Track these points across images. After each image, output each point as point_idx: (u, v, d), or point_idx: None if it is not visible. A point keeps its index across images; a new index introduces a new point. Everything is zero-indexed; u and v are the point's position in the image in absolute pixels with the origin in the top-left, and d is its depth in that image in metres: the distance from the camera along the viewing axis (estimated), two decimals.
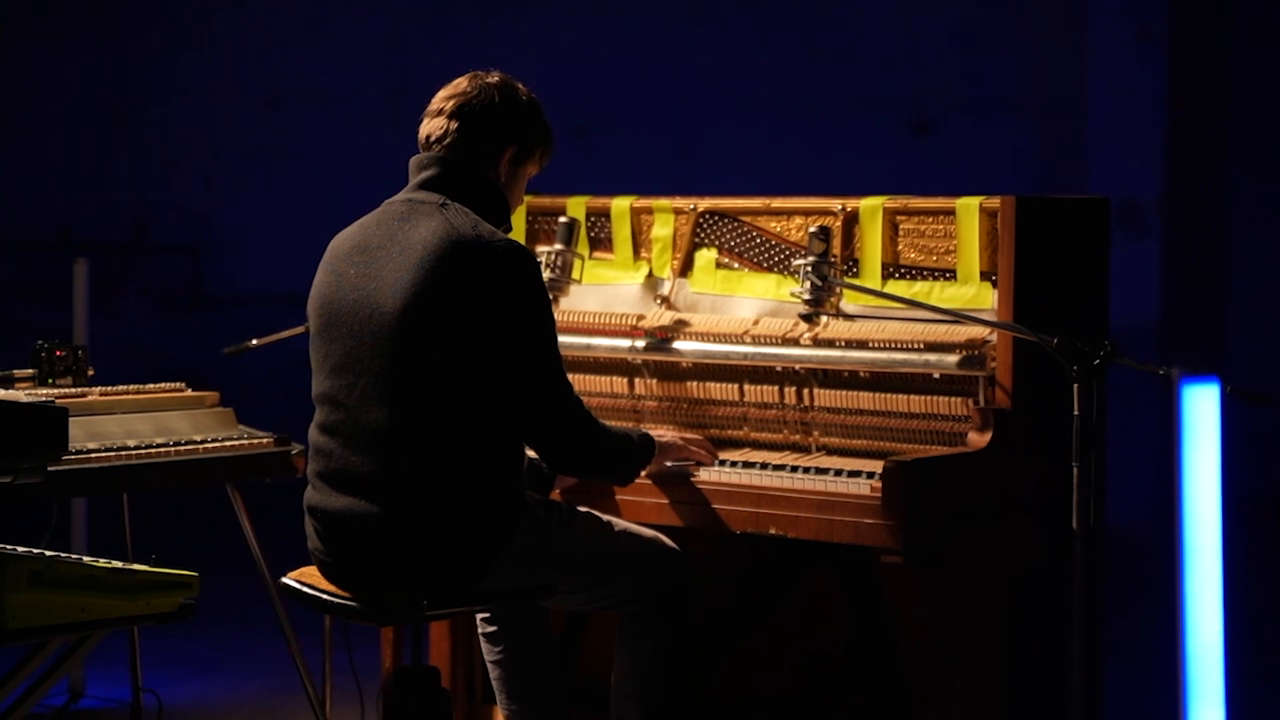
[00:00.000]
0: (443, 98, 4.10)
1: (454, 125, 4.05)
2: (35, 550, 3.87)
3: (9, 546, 3.87)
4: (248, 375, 8.96)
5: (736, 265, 4.69)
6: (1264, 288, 8.78)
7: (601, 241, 4.91)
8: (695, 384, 4.63)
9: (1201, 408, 2.32)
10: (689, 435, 4.46)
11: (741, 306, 4.64)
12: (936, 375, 4.27)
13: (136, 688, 5.11)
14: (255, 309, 9.61)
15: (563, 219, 4.82)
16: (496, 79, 4.12)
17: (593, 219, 4.91)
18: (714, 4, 9.37)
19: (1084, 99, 8.64)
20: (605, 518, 4.18)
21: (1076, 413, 3.84)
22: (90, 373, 4.82)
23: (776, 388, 4.51)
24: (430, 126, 4.08)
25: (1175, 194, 8.55)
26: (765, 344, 4.51)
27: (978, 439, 4.15)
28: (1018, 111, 8.92)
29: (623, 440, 4.17)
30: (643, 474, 4.29)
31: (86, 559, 3.87)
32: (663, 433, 4.39)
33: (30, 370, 4.75)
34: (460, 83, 4.12)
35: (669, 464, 4.35)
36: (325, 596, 4.01)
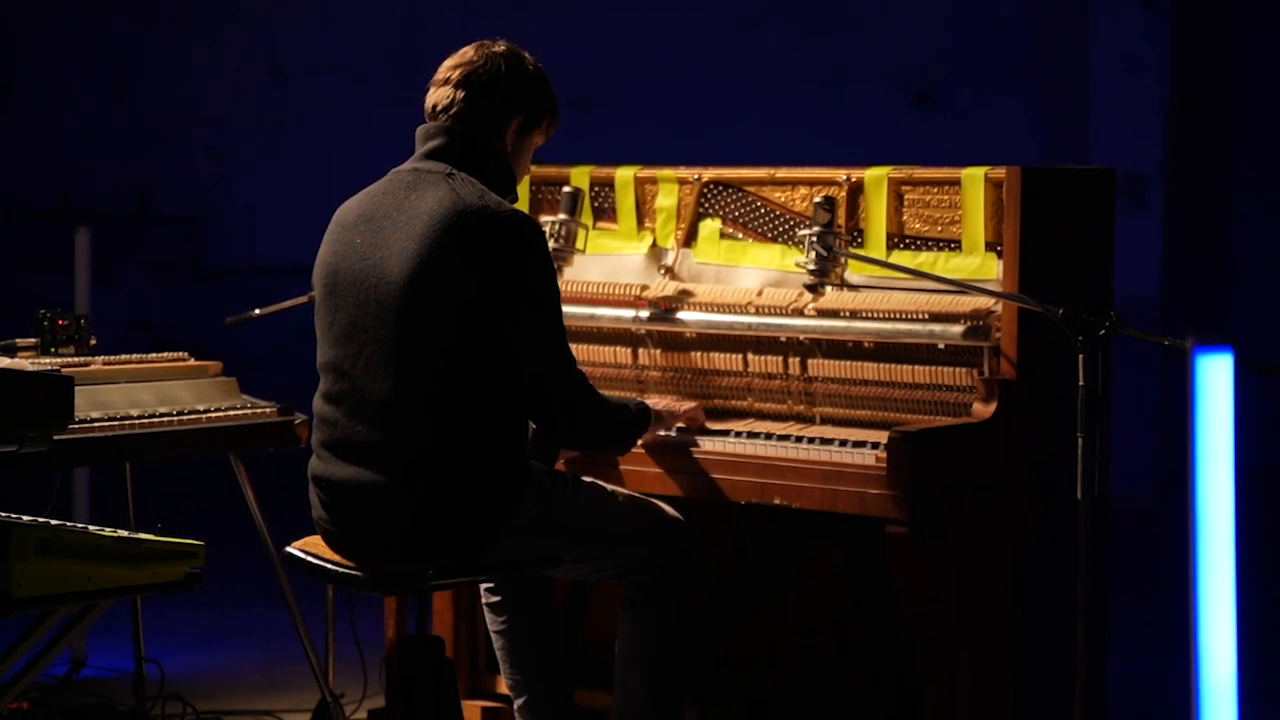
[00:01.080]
0: (449, 67, 4.09)
1: (460, 95, 4.03)
2: (41, 519, 3.86)
3: (14, 516, 3.87)
4: (251, 346, 8.96)
5: (741, 235, 4.68)
6: (1266, 261, 8.78)
7: (605, 211, 4.90)
8: (699, 354, 4.62)
9: (1215, 379, 2.31)
10: (685, 402, 4.45)
11: (745, 277, 4.64)
12: (941, 346, 4.27)
13: (139, 657, 5.11)
14: (258, 280, 9.60)
15: (567, 189, 4.81)
16: (503, 48, 4.10)
17: (596, 189, 4.90)
18: None
19: (1087, 71, 8.63)
20: (609, 488, 4.18)
21: (1081, 383, 3.84)
22: (93, 342, 4.82)
23: (780, 358, 4.50)
24: (436, 96, 4.07)
25: (1177, 167, 8.54)
26: (769, 314, 4.51)
27: (982, 409, 4.15)
28: (1020, 84, 8.91)
29: (622, 411, 4.17)
30: (639, 443, 4.29)
31: (92, 528, 3.87)
32: (656, 400, 4.39)
33: (32, 339, 4.74)
34: (467, 51, 4.10)
35: (663, 432, 4.34)
36: (330, 566, 4.01)
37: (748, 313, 4.54)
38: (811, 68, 9.22)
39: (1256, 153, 8.77)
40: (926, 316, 4.29)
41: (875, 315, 4.36)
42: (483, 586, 4.38)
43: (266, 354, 9.36)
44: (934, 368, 4.28)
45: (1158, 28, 8.46)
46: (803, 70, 9.23)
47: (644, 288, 4.72)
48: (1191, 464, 2.31)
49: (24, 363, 4.44)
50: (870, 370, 4.38)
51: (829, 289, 4.44)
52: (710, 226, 4.72)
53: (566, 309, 4.11)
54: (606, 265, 4.83)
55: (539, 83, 4.12)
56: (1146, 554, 7.34)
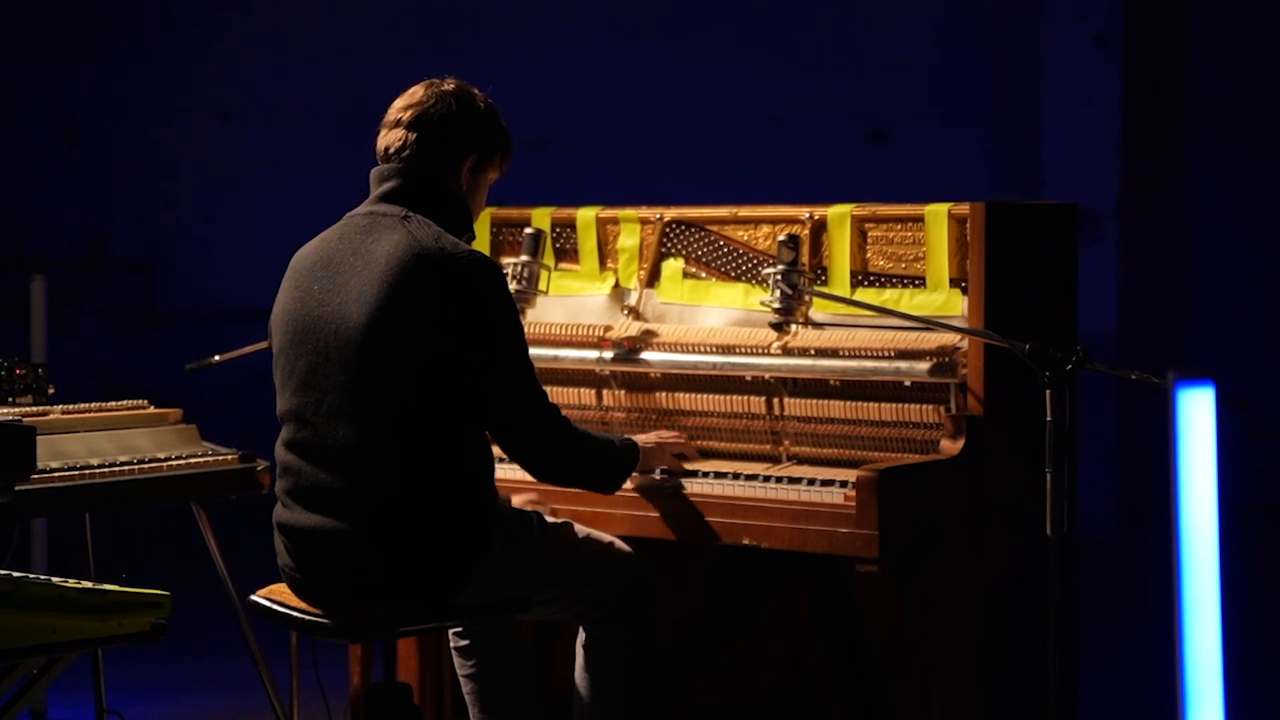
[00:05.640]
0: (399, 108, 4.07)
1: (413, 136, 4.02)
2: (3, 571, 3.82)
3: None
4: (205, 391, 8.90)
5: (704, 275, 4.67)
6: (1219, 294, 8.82)
7: (567, 252, 4.88)
8: (664, 394, 4.61)
9: (1197, 413, 2.31)
10: (665, 433, 4.43)
11: (709, 316, 4.62)
12: (908, 383, 4.25)
13: (100, 709, 5.05)
14: (212, 324, 9.55)
15: (528, 230, 4.79)
16: (453, 86, 4.09)
17: (558, 230, 4.88)
18: (671, 15, 9.38)
19: (1040, 108, 8.66)
20: (570, 524, 4.16)
21: (1049, 418, 3.83)
22: (50, 391, 4.77)
23: (746, 397, 4.48)
24: (389, 138, 4.05)
25: (1131, 201, 8.58)
26: (734, 354, 4.49)
27: (950, 446, 4.14)
28: (974, 120, 8.94)
29: (604, 446, 4.13)
30: (629, 484, 4.25)
31: (55, 579, 3.82)
32: (644, 436, 4.35)
33: None
34: (416, 92, 4.08)
35: (655, 469, 4.31)
36: (296, 614, 3.97)
37: (712, 352, 4.52)
38: (766, 105, 9.24)
39: (1209, 186, 8.81)
40: (893, 354, 4.28)
41: (841, 353, 4.35)
42: (450, 631, 4.34)
43: (221, 399, 9.30)
44: (901, 405, 4.27)
45: (1110, 64, 8.50)
46: (756, 107, 9.25)
47: (607, 328, 4.70)
48: (1174, 501, 2.30)
49: None
50: (837, 408, 4.36)
51: (794, 327, 4.42)
52: (673, 266, 4.70)
53: (530, 351, 4.08)
54: (569, 306, 4.81)
55: (490, 119, 4.11)
56: (1107, 587, 7.35)
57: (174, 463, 4.55)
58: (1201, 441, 2.29)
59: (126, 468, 4.46)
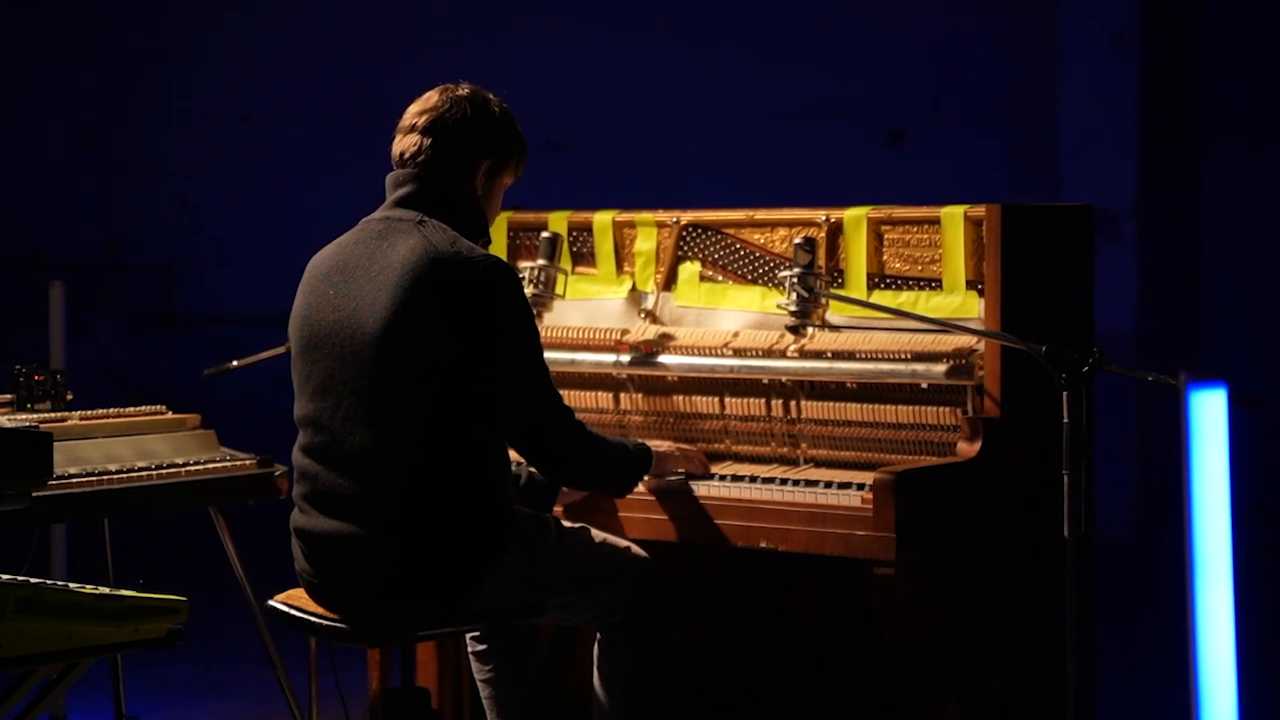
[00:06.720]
0: (414, 113, 4.07)
1: (428, 141, 4.02)
2: (20, 577, 3.83)
3: None
4: (223, 396, 8.92)
5: (720, 278, 4.67)
6: (1238, 294, 8.80)
7: (584, 256, 4.88)
8: (681, 398, 4.61)
9: (1209, 414, 2.31)
10: (685, 446, 4.43)
11: (726, 319, 4.62)
12: (924, 385, 4.25)
13: (120, 714, 5.06)
14: (230, 329, 9.56)
15: (545, 234, 4.79)
16: (467, 91, 4.09)
17: (575, 234, 4.88)
18: (685, 16, 9.37)
19: (1058, 108, 8.64)
20: (586, 528, 4.16)
21: (1066, 420, 3.83)
22: (69, 397, 4.78)
23: (763, 400, 4.49)
24: (404, 143, 4.05)
25: (1149, 201, 8.56)
26: (751, 357, 4.50)
27: (967, 449, 4.14)
28: (991, 120, 8.92)
29: (618, 450, 4.14)
30: (642, 486, 4.25)
31: (73, 585, 3.83)
32: (659, 443, 4.36)
33: (9, 395, 4.71)
34: (431, 97, 4.08)
35: (669, 474, 4.32)
36: (314, 619, 3.98)
37: (729, 355, 4.52)
38: (781, 106, 9.23)
39: (1226, 187, 8.79)
40: (909, 356, 4.27)
41: (858, 356, 4.35)
42: (468, 635, 4.34)
43: (239, 404, 9.32)
44: (918, 407, 4.27)
45: (1127, 64, 8.48)
46: (772, 109, 9.24)
47: (624, 332, 4.70)
48: (1187, 501, 2.30)
49: (0, 419, 4.41)
50: (854, 411, 4.36)
51: (811, 330, 4.42)
52: (690, 269, 4.71)
53: (547, 355, 4.08)
54: (586, 310, 4.82)
55: (506, 123, 4.11)
56: (1126, 589, 7.33)
57: (192, 468, 4.56)
58: (1214, 442, 2.29)
59: (145, 473, 4.47)
